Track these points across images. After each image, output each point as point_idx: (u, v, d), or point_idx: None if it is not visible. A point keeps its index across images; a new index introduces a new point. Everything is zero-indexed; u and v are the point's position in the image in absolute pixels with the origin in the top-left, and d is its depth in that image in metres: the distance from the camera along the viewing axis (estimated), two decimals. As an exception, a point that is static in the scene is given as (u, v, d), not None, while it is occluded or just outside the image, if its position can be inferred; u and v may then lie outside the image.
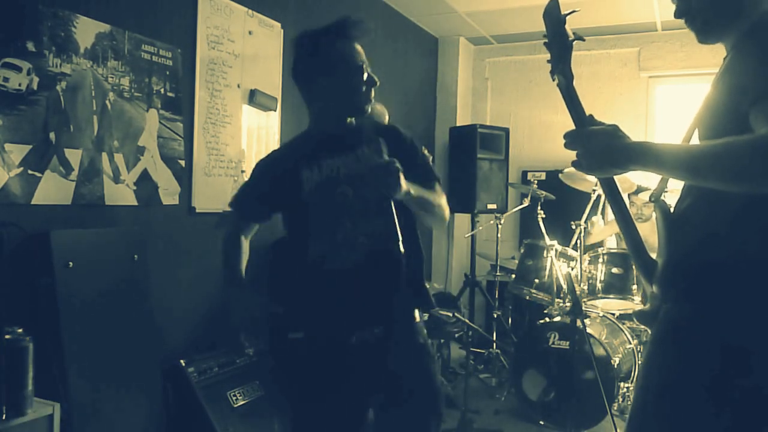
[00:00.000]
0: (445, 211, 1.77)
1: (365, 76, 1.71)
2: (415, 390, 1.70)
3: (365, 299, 1.67)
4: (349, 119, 1.74)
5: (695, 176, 1.14)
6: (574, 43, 1.36)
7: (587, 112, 1.36)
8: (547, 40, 1.38)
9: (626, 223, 1.35)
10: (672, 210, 1.30)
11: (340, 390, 1.69)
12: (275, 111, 3.43)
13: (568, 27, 1.36)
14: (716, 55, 1.33)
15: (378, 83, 1.73)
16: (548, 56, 1.39)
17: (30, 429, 1.73)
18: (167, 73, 2.74)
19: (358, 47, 1.76)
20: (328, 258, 1.69)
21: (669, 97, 5.17)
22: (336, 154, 1.72)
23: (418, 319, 1.77)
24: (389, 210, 1.63)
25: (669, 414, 1.19)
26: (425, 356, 1.76)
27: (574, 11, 1.37)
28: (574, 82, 1.37)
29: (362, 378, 1.69)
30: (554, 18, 1.37)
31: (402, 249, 1.63)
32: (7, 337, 1.70)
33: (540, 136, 5.42)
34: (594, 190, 3.78)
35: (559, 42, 1.36)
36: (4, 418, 1.67)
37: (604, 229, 4.48)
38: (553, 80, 1.39)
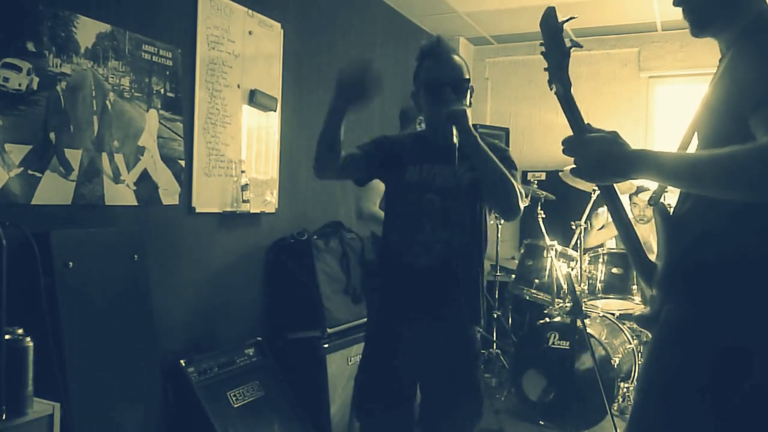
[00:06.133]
0: (516, 194, 1.79)
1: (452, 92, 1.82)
2: (455, 390, 1.89)
3: (427, 299, 1.88)
4: (455, 135, 1.80)
5: (696, 185, 1.13)
6: (571, 50, 1.35)
7: (587, 114, 1.35)
8: (544, 49, 1.37)
9: (624, 226, 1.35)
10: (671, 212, 1.30)
11: (390, 371, 1.91)
12: (275, 111, 3.43)
13: (565, 33, 1.36)
14: (716, 55, 1.33)
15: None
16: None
17: (30, 429, 1.72)
18: (167, 73, 2.73)
19: (449, 64, 1.87)
20: (405, 253, 1.90)
21: (669, 97, 5.17)
22: (437, 162, 1.88)
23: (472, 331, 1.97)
24: (467, 226, 1.85)
25: (671, 415, 1.19)
26: (468, 362, 1.94)
27: (571, 18, 1.37)
28: (574, 85, 1.36)
29: (409, 366, 1.90)
30: (551, 26, 1.36)
31: (467, 265, 1.85)
32: (7, 337, 1.70)
33: (540, 137, 5.42)
34: (594, 190, 3.78)
35: (556, 50, 1.36)
36: (4, 418, 1.67)
37: (602, 233, 4.48)
38: (551, 89, 1.39)
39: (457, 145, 1.74)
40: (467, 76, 1.89)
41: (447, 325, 1.91)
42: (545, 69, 1.38)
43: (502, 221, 4.38)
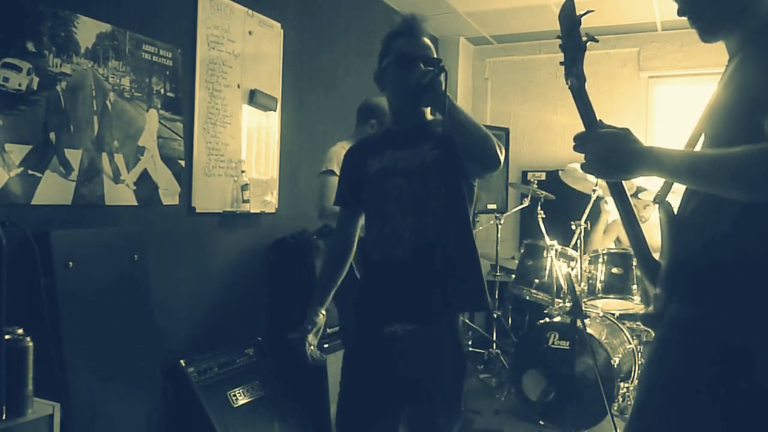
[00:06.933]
0: (493, 143, 1.67)
1: (422, 69, 1.73)
2: (436, 391, 1.72)
3: (404, 295, 1.72)
4: (427, 116, 1.84)
5: (701, 182, 1.13)
6: (587, 44, 1.35)
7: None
8: (561, 42, 1.37)
9: (631, 224, 1.35)
10: (676, 212, 1.30)
11: (368, 377, 1.77)
12: (275, 111, 3.43)
13: (580, 28, 1.35)
14: (716, 55, 1.32)
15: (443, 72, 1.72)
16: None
17: (30, 429, 1.72)
18: (167, 73, 2.74)
19: (421, 42, 1.82)
20: (376, 248, 1.79)
21: (669, 97, 5.17)
22: (399, 148, 1.80)
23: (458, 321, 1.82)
24: (438, 209, 1.71)
25: (672, 415, 1.18)
26: (453, 360, 1.77)
27: (589, 11, 1.36)
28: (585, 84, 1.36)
29: (389, 370, 1.73)
30: (569, 19, 1.35)
31: (447, 249, 1.69)
32: (7, 337, 1.70)
33: (540, 136, 5.42)
34: (594, 191, 3.79)
35: (573, 43, 1.35)
36: (4, 418, 1.67)
37: (606, 237, 4.48)
38: (567, 83, 1.38)
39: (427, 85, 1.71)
40: (436, 56, 1.86)
41: (429, 331, 1.72)
42: (561, 63, 1.38)
43: (498, 218, 4.39)
